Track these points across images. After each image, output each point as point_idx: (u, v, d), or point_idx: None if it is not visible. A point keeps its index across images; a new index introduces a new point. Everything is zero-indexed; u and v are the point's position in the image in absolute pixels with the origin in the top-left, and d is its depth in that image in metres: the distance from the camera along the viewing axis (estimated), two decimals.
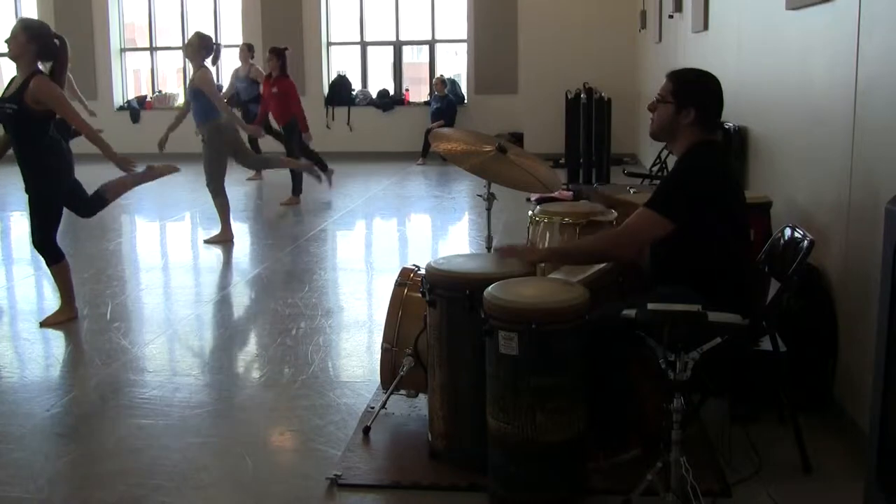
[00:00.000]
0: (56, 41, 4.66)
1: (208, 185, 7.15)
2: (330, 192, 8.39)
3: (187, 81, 8.09)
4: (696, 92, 2.98)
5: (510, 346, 2.62)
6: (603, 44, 12.64)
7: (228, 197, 7.27)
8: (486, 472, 2.79)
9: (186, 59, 7.77)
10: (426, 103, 13.55)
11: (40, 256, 4.90)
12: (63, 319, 4.90)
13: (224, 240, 7.11)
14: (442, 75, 13.42)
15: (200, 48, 7.03)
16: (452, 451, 3.03)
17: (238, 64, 11.05)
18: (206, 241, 7.14)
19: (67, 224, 8.31)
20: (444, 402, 3.02)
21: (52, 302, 5.66)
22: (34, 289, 6.09)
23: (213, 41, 7.21)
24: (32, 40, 4.56)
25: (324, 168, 8.97)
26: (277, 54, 9.10)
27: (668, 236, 2.87)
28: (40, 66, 4.62)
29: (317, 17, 13.62)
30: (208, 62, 7.10)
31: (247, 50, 10.89)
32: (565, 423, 2.66)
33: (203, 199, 8.74)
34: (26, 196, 4.76)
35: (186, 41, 7.40)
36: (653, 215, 2.88)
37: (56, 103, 4.57)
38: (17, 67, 4.63)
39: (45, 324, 4.88)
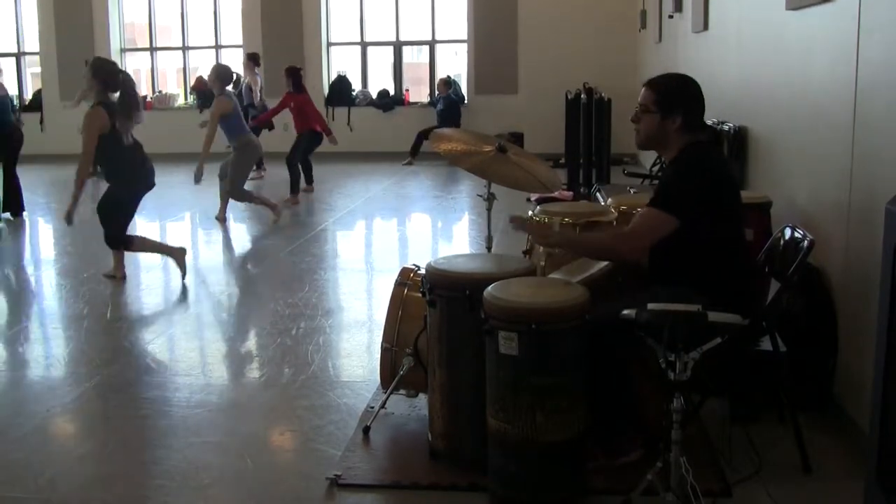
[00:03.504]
0: (120, 75, 5.67)
1: (230, 192, 7.80)
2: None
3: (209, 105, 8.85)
4: (679, 98, 2.98)
5: (510, 346, 2.62)
6: (603, 44, 12.63)
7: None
8: (486, 472, 2.79)
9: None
10: (429, 104, 13.54)
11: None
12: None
13: (276, 218, 7.89)
14: (449, 76, 13.42)
15: (216, 79, 7.80)
16: (452, 451, 3.03)
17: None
18: (275, 222, 7.86)
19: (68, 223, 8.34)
20: (444, 402, 3.02)
21: (53, 302, 5.67)
22: (34, 288, 6.09)
23: (231, 71, 8.12)
24: (96, 76, 5.53)
25: (294, 190, 9.38)
26: (287, 73, 9.78)
27: (668, 236, 2.87)
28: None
29: (317, 18, 13.62)
30: (229, 88, 7.91)
31: (247, 59, 11.59)
32: (565, 423, 2.66)
33: (203, 199, 8.74)
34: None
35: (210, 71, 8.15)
36: (658, 213, 2.88)
37: (85, 134, 5.48)
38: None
39: (110, 273, 5.83)
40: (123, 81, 5.65)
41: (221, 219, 8.07)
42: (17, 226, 8.36)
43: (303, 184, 9.65)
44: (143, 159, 5.73)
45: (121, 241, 5.75)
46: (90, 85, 5.57)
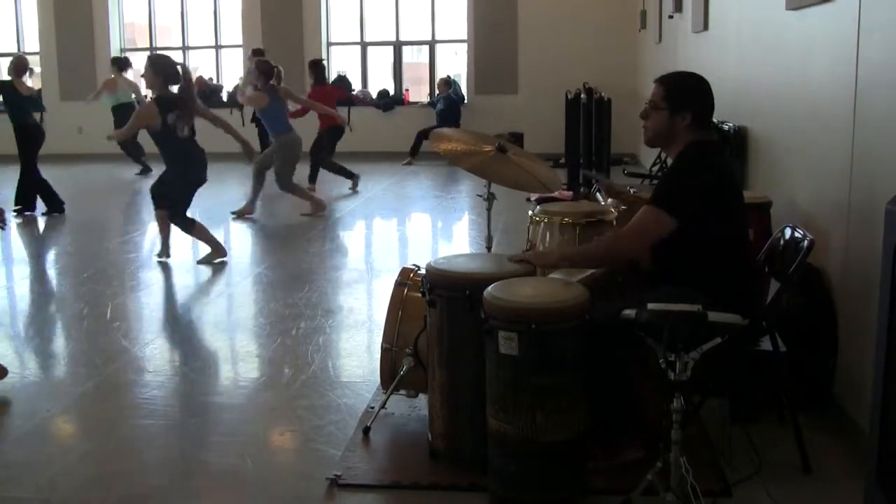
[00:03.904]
0: (178, 68, 6.02)
1: (278, 182, 8.15)
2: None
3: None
4: (689, 95, 2.98)
5: (510, 346, 2.62)
6: (603, 44, 12.64)
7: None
8: (486, 472, 2.79)
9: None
10: (429, 104, 13.54)
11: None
12: (216, 258, 6.32)
13: (316, 211, 8.27)
14: (449, 76, 13.42)
15: (259, 73, 8.09)
16: (452, 451, 3.03)
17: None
18: (303, 214, 8.22)
19: (68, 224, 8.35)
20: (444, 402, 3.02)
21: (53, 302, 5.68)
22: (34, 288, 6.09)
23: (272, 66, 8.30)
24: (157, 73, 5.89)
25: (348, 176, 9.85)
26: (310, 66, 10.27)
27: (669, 236, 2.86)
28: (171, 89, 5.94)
29: (317, 18, 13.62)
30: (273, 82, 8.13)
31: (251, 55, 11.44)
32: (565, 423, 2.66)
33: (203, 199, 8.73)
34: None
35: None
36: (658, 212, 2.88)
37: (132, 119, 6.21)
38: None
39: (201, 262, 6.31)
40: (182, 75, 6.00)
41: (246, 212, 8.25)
42: (57, 221, 8.48)
43: (306, 183, 9.62)
44: (196, 153, 6.07)
45: (179, 223, 6.19)
46: (151, 82, 5.96)
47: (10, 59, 8.91)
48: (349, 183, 9.93)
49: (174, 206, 6.15)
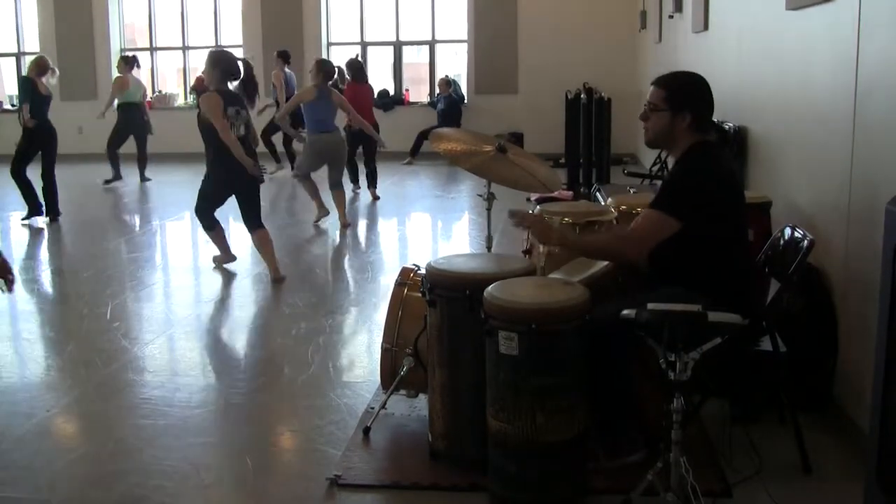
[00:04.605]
0: (240, 62, 5.77)
1: (294, 174, 8.20)
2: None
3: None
4: (689, 96, 2.98)
5: (510, 347, 2.62)
6: (603, 44, 12.63)
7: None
8: (486, 472, 2.79)
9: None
10: (430, 104, 13.54)
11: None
12: (226, 260, 6.23)
13: (319, 215, 7.97)
14: (447, 76, 13.41)
15: (318, 72, 7.82)
16: (452, 451, 3.03)
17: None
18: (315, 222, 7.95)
19: (68, 223, 8.34)
20: (444, 402, 3.02)
21: (53, 302, 5.67)
22: (34, 288, 6.09)
23: (332, 66, 8.17)
24: (215, 67, 5.66)
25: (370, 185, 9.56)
26: (347, 65, 10.02)
27: (670, 236, 2.86)
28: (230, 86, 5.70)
29: (317, 18, 13.61)
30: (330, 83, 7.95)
31: (276, 56, 11.39)
32: (565, 423, 2.66)
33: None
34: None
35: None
36: (660, 215, 2.88)
37: (214, 120, 5.50)
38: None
39: (216, 260, 6.20)
40: (245, 69, 5.77)
41: (343, 224, 7.89)
42: (15, 227, 8.33)
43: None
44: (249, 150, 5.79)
45: (201, 217, 5.94)
46: (210, 77, 5.73)
47: (33, 58, 8.79)
48: (350, 186, 9.81)
49: (203, 199, 5.91)
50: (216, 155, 5.65)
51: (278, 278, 5.81)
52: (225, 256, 6.28)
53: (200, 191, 5.91)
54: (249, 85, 5.81)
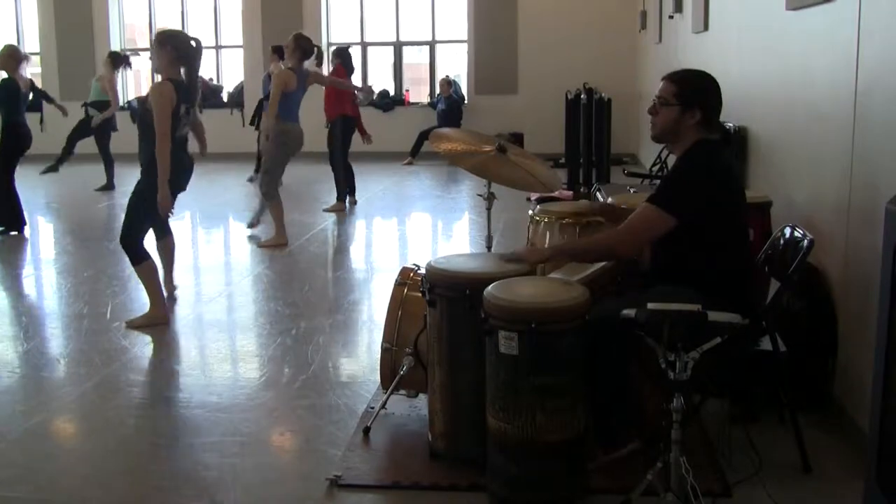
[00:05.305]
0: (193, 45, 4.79)
1: (261, 186, 7.15)
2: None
3: None
4: (699, 92, 2.98)
5: (510, 346, 2.62)
6: (603, 44, 12.64)
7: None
8: (486, 472, 2.79)
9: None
10: (430, 104, 13.54)
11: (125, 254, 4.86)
12: (147, 323, 4.76)
13: (275, 242, 6.98)
14: (448, 76, 13.42)
15: (295, 48, 7.09)
16: (452, 451, 3.03)
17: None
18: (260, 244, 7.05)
19: (68, 223, 8.35)
20: (444, 402, 3.02)
21: (53, 302, 5.67)
22: (34, 289, 6.09)
23: (311, 44, 7.24)
24: (163, 45, 4.68)
25: (340, 196, 8.82)
26: (336, 54, 9.17)
27: (669, 235, 2.86)
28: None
29: (317, 18, 13.62)
30: (307, 63, 7.17)
31: (272, 51, 11.10)
32: (565, 423, 2.66)
33: (202, 199, 8.75)
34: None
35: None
36: (656, 211, 2.88)
37: (157, 112, 4.53)
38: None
39: (130, 324, 4.77)
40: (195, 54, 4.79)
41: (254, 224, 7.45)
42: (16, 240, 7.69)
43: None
44: (188, 158, 4.90)
45: (130, 249, 4.75)
46: (158, 59, 4.69)
47: (1, 50, 7.68)
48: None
49: (124, 232, 4.79)
50: (152, 159, 4.60)
51: (171, 293, 5.28)
52: (167, 288, 5.23)
53: (130, 212, 4.77)
54: (190, 76, 4.78)
